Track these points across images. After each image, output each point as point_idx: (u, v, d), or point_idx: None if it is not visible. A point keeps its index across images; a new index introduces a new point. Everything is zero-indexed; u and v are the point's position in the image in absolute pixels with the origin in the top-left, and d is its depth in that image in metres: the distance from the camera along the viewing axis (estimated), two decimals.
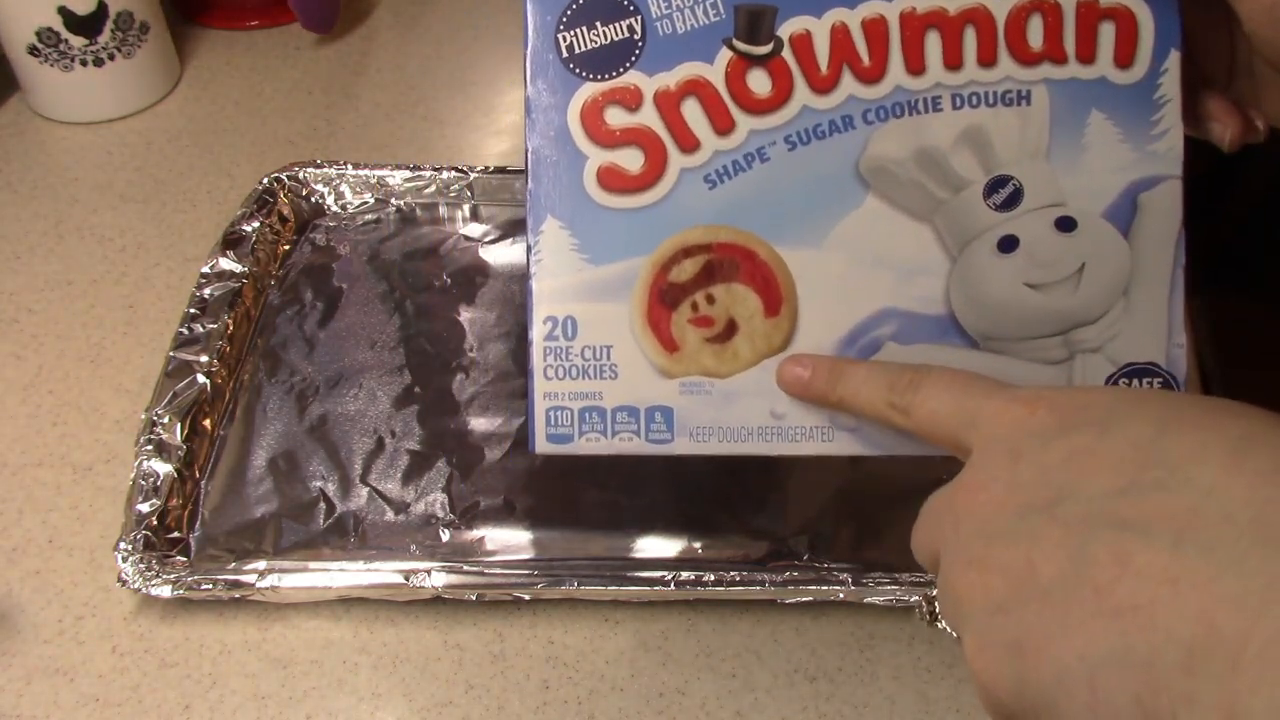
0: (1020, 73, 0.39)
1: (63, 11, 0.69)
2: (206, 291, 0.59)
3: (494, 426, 0.55)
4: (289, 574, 0.48)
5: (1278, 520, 0.24)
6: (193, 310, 0.58)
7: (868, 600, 0.48)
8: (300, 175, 0.66)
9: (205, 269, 0.60)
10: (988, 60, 0.39)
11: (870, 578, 0.48)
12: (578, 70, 0.39)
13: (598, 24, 0.39)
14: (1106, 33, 0.39)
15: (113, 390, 0.58)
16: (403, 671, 0.47)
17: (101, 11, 0.70)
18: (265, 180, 0.65)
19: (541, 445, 0.41)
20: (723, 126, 0.39)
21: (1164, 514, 0.25)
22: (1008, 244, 0.39)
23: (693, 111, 0.39)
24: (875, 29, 0.39)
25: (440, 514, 0.51)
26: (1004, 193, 0.39)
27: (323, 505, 0.52)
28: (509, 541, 0.50)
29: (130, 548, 0.48)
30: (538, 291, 0.40)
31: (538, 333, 0.40)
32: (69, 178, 0.71)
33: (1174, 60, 0.39)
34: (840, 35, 0.39)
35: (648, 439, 0.41)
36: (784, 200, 0.40)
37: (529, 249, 0.40)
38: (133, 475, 0.51)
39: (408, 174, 0.67)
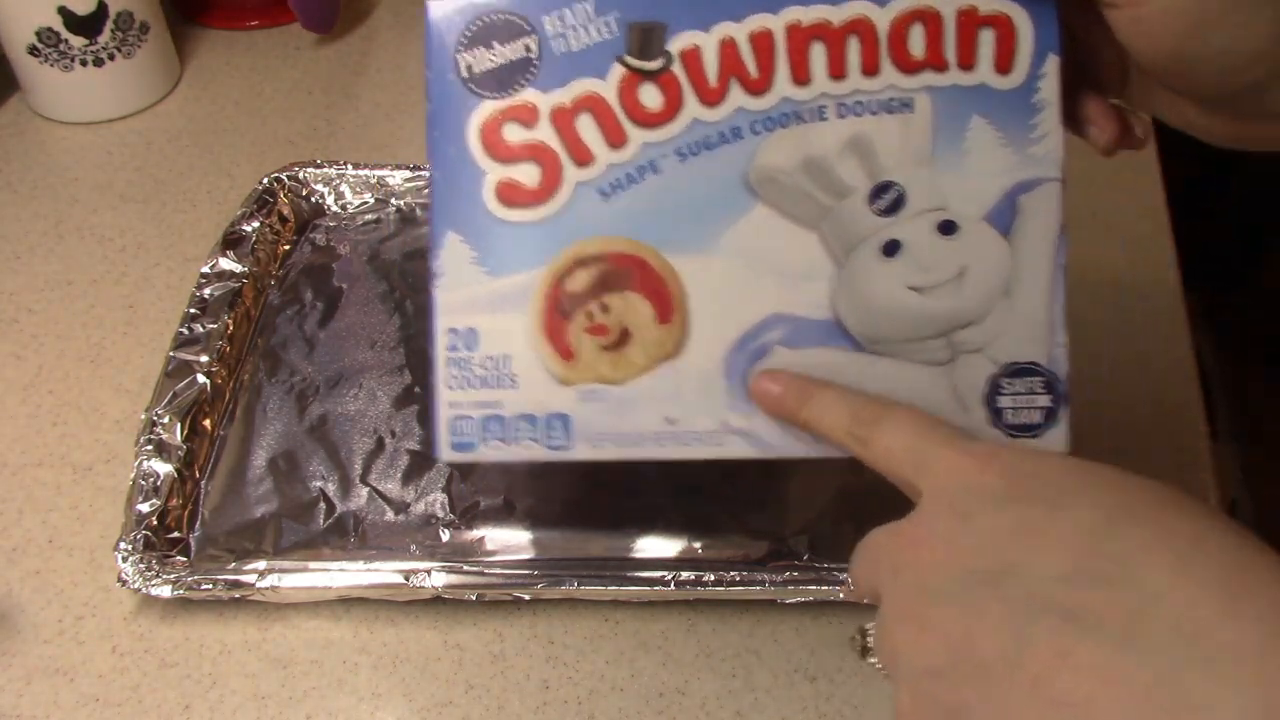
0: (903, 81, 0.39)
1: (63, 11, 0.69)
2: (206, 291, 0.59)
3: None
4: (289, 574, 0.48)
5: (1220, 638, 0.24)
6: (193, 310, 0.58)
7: (868, 600, 0.48)
8: (300, 175, 0.66)
9: (205, 269, 0.60)
10: (871, 70, 0.39)
11: None
12: (477, 89, 0.40)
13: (495, 44, 0.40)
14: (986, 39, 0.39)
15: (113, 390, 0.58)
16: (403, 671, 0.47)
17: (101, 11, 0.70)
18: (265, 180, 0.65)
19: (446, 454, 0.42)
20: (616, 140, 0.40)
21: (1108, 610, 0.26)
22: (891, 248, 0.40)
23: (587, 126, 0.40)
24: (762, 42, 0.39)
25: (440, 514, 0.51)
26: (887, 198, 0.40)
27: (323, 505, 0.52)
28: (509, 541, 0.51)
29: (130, 548, 0.48)
30: (440, 304, 0.41)
31: (440, 344, 0.41)
32: (69, 178, 0.71)
33: (1052, 65, 0.39)
34: (728, 49, 0.39)
35: (547, 446, 0.41)
36: (675, 210, 0.40)
37: (430, 263, 0.41)
38: (133, 475, 0.51)
39: (408, 174, 0.67)
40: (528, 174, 0.40)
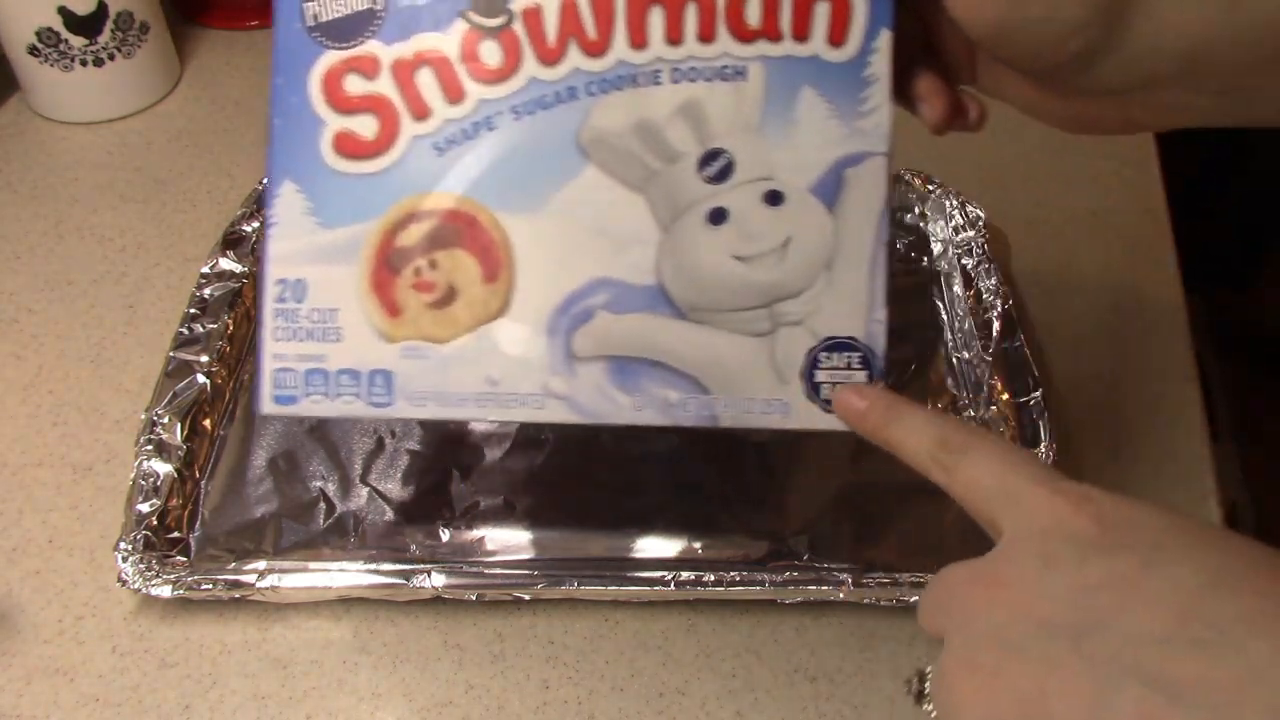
0: (737, 49, 0.39)
1: (63, 11, 0.69)
2: (206, 291, 0.59)
3: (494, 426, 0.55)
4: (289, 574, 0.48)
5: None
6: (193, 310, 0.58)
7: (868, 600, 0.48)
8: None
9: (205, 269, 0.60)
10: (707, 36, 0.39)
11: (870, 578, 0.48)
12: (321, 38, 0.40)
13: None
14: (821, 11, 0.39)
15: (113, 390, 0.58)
16: (403, 671, 0.47)
17: (101, 11, 0.70)
18: (265, 180, 0.65)
19: (268, 406, 0.41)
20: (454, 96, 0.40)
21: (1203, 681, 0.23)
22: (717, 216, 0.40)
23: (426, 80, 0.40)
24: (602, 4, 0.39)
25: (440, 514, 0.51)
26: (716, 165, 0.40)
27: (323, 505, 0.52)
28: (509, 541, 0.51)
29: (130, 548, 0.48)
30: (272, 254, 0.41)
31: (270, 294, 0.41)
32: (69, 178, 0.71)
33: (885, 39, 0.39)
34: (569, 9, 0.39)
35: (369, 401, 0.41)
36: (508, 168, 0.40)
37: (266, 212, 0.41)
38: (133, 475, 0.51)
39: None
40: (366, 126, 0.40)
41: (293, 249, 0.41)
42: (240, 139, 0.74)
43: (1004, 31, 0.34)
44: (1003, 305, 0.58)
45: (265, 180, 0.41)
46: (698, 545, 0.50)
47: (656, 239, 0.40)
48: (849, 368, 0.40)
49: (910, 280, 0.62)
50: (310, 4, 0.40)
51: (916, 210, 0.64)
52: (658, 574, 0.48)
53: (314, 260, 0.41)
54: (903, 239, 0.64)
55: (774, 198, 0.40)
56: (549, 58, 0.40)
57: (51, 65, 0.71)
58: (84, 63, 0.72)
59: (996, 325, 0.57)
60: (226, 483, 0.53)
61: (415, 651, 0.48)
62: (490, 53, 0.40)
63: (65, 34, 0.70)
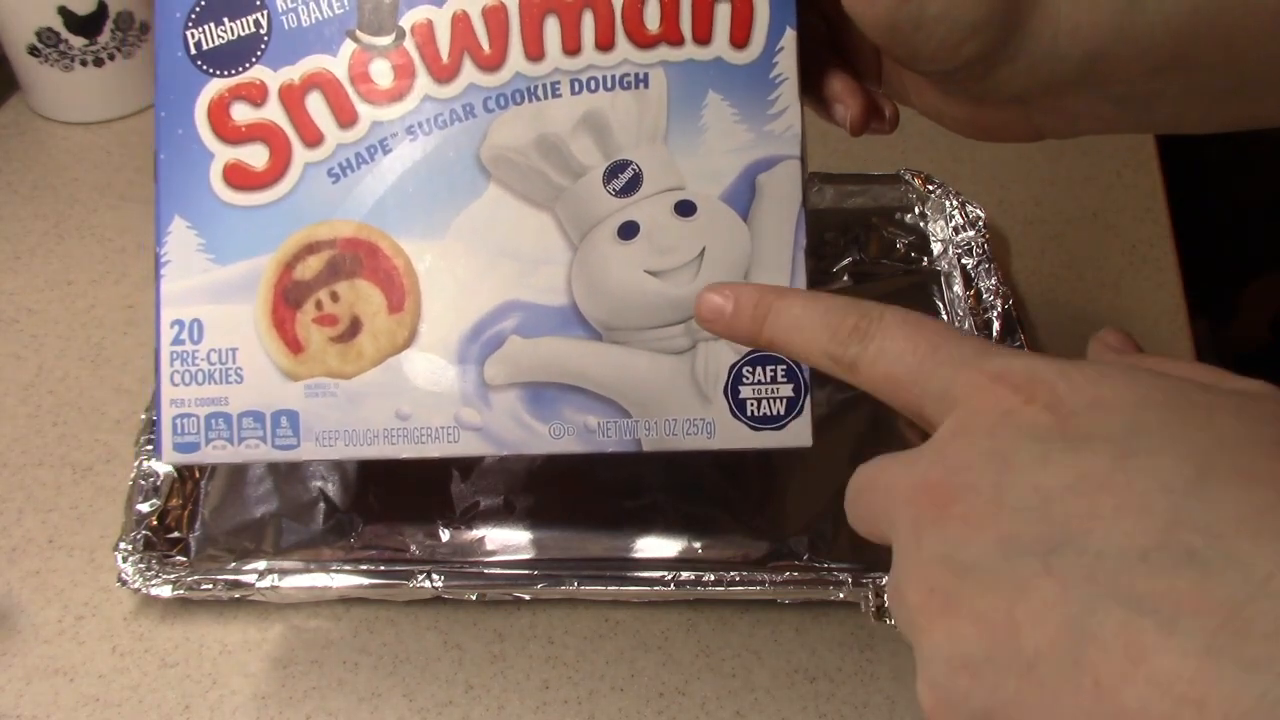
0: (638, 56, 0.38)
1: (63, 11, 0.69)
2: None
3: None
4: (289, 574, 0.48)
5: None
6: None
7: (867, 600, 0.48)
8: None
9: None
10: (605, 44, 0.38)
11: (870, 578, 0.48)
12: (205, 67, 0.39)
13: (225, 20, 0.39)
14: (722, 13, 0.38)
15: (113, 390, 0.58)
16: (403, 671, 0.47)
17: (101, 11, 0.70)
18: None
19: (169, 455, 0.40)
20: (345, 119, 0.39)
21: (1197, 602, 0.19)
22: (628, 230, 0.39)
23: (316, 104, 0.39)
24: (495, 16, 0.38)
25: (440, 514, 0.51)
26: (623, 178, 0.39)
27: (323, 505, 0.52)
28: (509, 541, 0.51)
29: (130, 548, 0.48)
30: (164, 294, 0.39)
31: (164, 337, 0.39)
32: (69, 178, 0.71)
33: (789, 38, 0.38)
34: (461, 23, 0.38)
35: (274, 445, 0.39)
36: (406, 192, 0.39)
37: (156, 249, 0.39)
38: (133, 475, 0.51)
39: None
40: (256, 155, 0.39)
41: (186, 288, 0.39)
42: None
43: (898, 29, 0.32)
44: (1003, 305, 0.58)
45: (155, 215, 0.39)
46: (698, 545, 0.50)
47: (566, 258, 0.39)
48: (774, 381, 0.39)
49: (910, 280, 0.62)
50: (192, 30, 0.39)
51: (916, 210, 0.64)
52: (658, 574, 0.48)
53: (209, 299, 0.39)
54: (903, 239, 0.64)
55: (685, 208, 0.39)
56: (443, 75, 0.39)
57: (51, 65, 0.71)
58: (84, 63, 0.72)
59: (996, 325, 0.57)
60: (226, 483, 0.53)
61: (415, 651, 0.48)
62: (381, 72, 0.39)
63: (65, 34, 0.70)
